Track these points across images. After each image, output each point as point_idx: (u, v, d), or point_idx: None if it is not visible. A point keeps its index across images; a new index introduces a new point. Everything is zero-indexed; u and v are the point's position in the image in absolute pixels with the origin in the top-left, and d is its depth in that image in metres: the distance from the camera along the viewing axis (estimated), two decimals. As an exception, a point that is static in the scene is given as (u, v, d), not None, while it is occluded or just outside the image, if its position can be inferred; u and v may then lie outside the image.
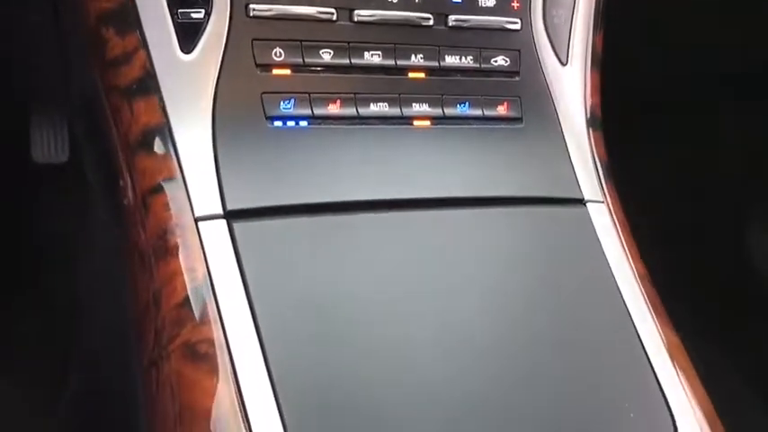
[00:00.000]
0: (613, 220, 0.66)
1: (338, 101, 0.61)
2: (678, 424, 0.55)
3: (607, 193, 0.67)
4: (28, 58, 0.97)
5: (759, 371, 1.17)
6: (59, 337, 1.00)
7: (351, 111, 0.61)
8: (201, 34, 0.58)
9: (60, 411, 0.92)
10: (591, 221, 0.64)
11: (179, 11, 0.57)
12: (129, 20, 0.58)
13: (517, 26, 0.65)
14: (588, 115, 0.70)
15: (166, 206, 0.56)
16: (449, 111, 0.64)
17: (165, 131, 0.57)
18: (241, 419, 0.48)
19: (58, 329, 1.01)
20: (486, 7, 0.64)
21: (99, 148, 0.78)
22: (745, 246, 1.23)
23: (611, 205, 0.66)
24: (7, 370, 1.00)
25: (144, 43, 0.58)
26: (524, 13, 0.66)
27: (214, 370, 0.50)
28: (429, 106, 0.63)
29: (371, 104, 0.61)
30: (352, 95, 0.61)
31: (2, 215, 1.06)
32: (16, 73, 1.00)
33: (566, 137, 0.67)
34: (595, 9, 0.70)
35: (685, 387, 0.58)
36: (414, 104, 0.63)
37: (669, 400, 0.56)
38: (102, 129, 0.65)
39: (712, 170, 1.25)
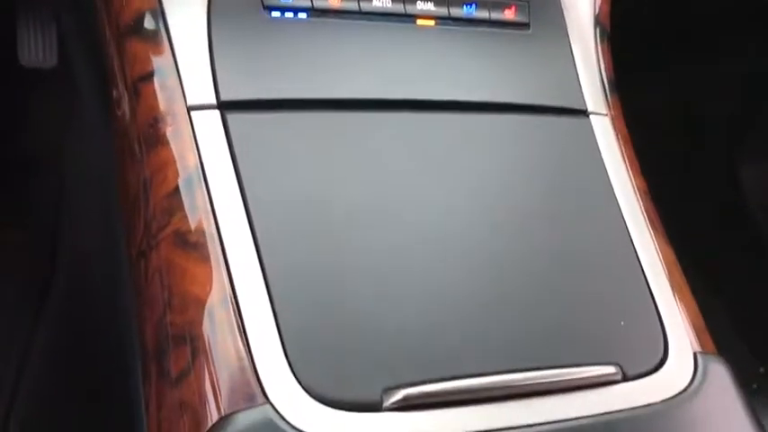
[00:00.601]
0: (616, 133, 0.64)
1: None
2: (668, 335, 0.55)
3: (611, 106, 0.65)
4: None
5: (745, 305, 1.18)
6: (46, 243, 0.99)
7: (352, 4, 0.58)
8: None
9: (47, 313, 0.92)
10: (593, 133, 0.63)
11: None
12: None
13: None
14: (597, 26, 0.67)
15: (158, 93, 0.54)
16: (454, 11, 0.61)
17: (158, 15, 0.55)
18: (231, 308, 0.47)
19: (45, 234, 1.00)
20: None
21: (89, 42, 0.75)
22: (737, 177, 1.22)
23: (614, 118, 0.65)
24: None
25: None
26: None
27: (205, 258, 0.49)
28: (434, 5, 0.61)
29: None
30: None
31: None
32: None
33: (573, 46, 0.65)
34: None
35: (677, 300, 0.58)
36: (418, 2, 0.60)
37: (661, 311, 0.56)
38: (92, 20, 0.62)
39: (711, 99, 1.23)
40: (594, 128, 0.63)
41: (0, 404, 0.87)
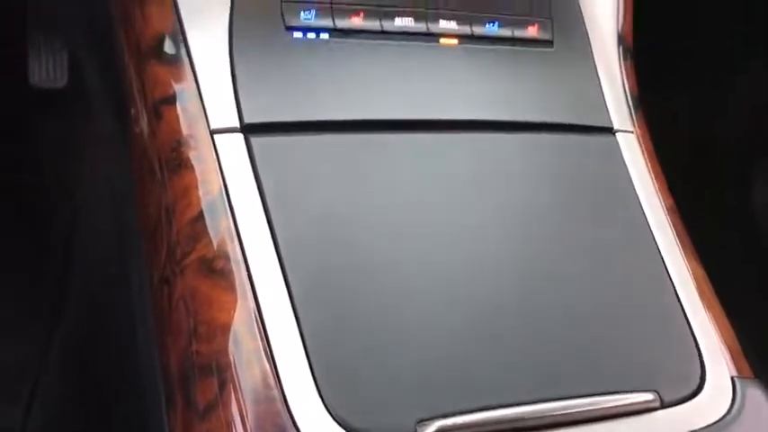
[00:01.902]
0: (642, 150, 0.63)
1: (361, 12, 0.57)
2: (704, 358, 0.54)
3: (636, 123, 0.64)
4: None
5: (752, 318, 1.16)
6: (58, 264, 0.98)
7: (374, 24, 0.58)
8: (219, -67, 0.54)
9: (59, 335, 0.91)
10: (620, 151, 0.62)
11: None
12: None
13: None
14: (620, 43, 0.67)
15: (180, 117, 0.53)
16: (477, 29, 0.60)
17: (179, 38, 0.54)
18: (259, 336, 0.46)
19: (58, 255, 0.99)
20: None
21: (102, 61, 0.74)
22: (748, 199, 1.21)
23: (640, 136, 0.64)
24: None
25: None
26: None
27: (231, 286, 0.48)
28: (457, 24, 0.60)
29: (396, 18, 0.58)
30: (375, 7, 0.57)
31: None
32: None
33: (597, 63, 0.64)
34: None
35: (711, 319, 0.56)
36: (441, 21, 0.59)
37: (696, 333, 0.55)
38: (111, 42, 0.62)
39: (722, 118, 1.22)
40: (621, 146, 0.62)
41: (14, 421, 0.86)
